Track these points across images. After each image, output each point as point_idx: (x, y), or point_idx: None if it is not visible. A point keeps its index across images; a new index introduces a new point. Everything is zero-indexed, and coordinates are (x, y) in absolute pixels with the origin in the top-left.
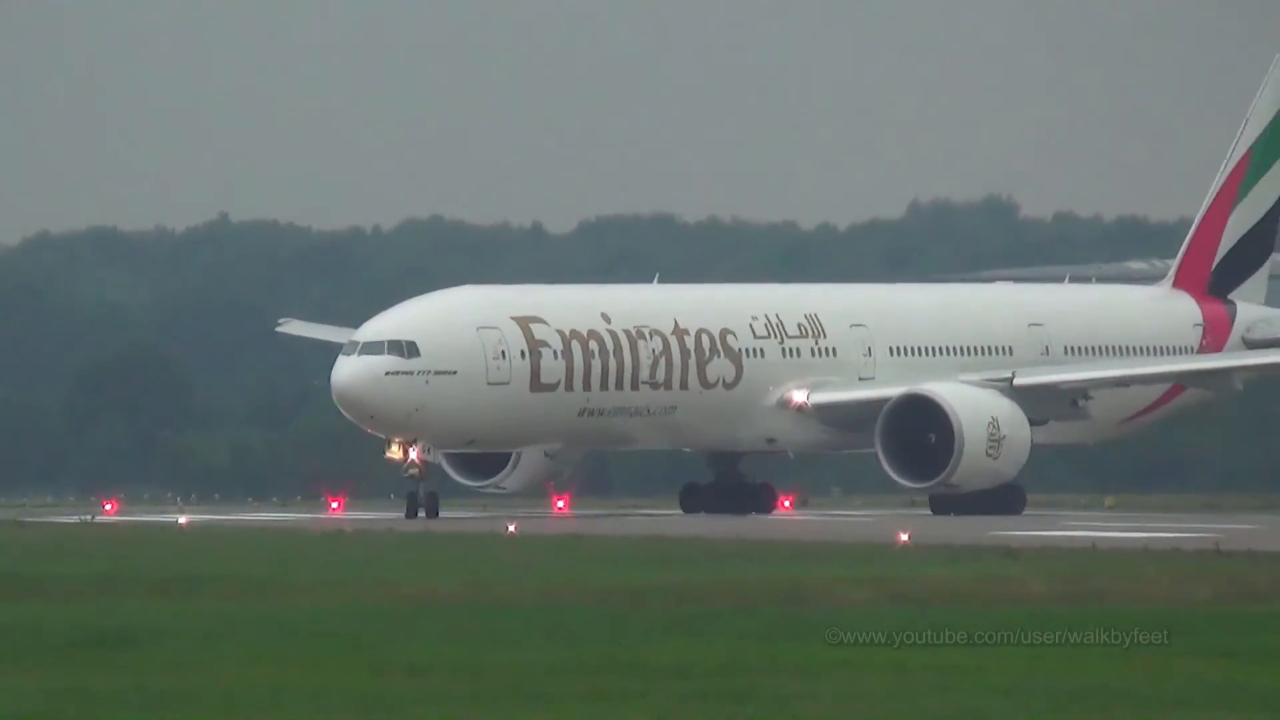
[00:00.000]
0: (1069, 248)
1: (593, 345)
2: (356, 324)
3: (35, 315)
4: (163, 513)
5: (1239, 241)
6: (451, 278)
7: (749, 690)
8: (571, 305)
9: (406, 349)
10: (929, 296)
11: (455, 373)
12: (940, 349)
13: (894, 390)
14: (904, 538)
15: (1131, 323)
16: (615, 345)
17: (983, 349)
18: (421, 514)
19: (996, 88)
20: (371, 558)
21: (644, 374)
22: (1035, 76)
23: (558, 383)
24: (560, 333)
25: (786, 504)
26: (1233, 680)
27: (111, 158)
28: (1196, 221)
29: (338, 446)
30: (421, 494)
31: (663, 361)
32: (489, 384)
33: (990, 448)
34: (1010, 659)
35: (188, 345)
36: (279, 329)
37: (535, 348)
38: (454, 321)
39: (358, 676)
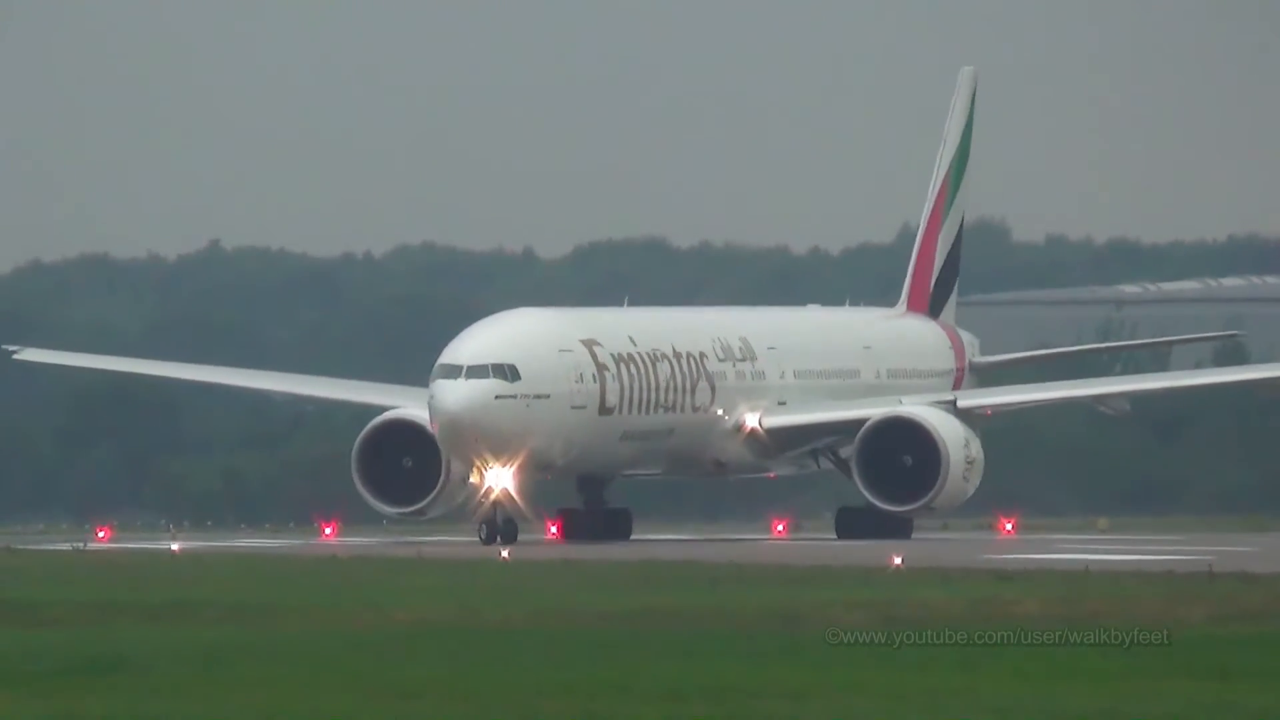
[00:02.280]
0: (1060, 271)
1: (632, 369)
2: (340, 351)
3: (27, 342)
4: (156, 540)
5: (945, 263)
6: (444, 304)
7: (741, 713)
8: (612, 327)
9: (509, 373)
10: (801, 319)
11: (549, 396)
12: (821, 371)
13: (853, 412)
14: (897, 561)
15: (917, 346)
16: (643, 368)
17: (842, 371)
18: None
19: (987, 111)
20: (364, 583)
21: (661, 397)
22: (1024, 99)
23: (614, 406)
24: (612, 355)
25: (780, 528)
26: (1226, 700)
27: (103, 186)
28: (917, 244)
29: (329, 471)
30: (499, 520)
31: (671, 385)
32: (572, 408)
33: (966, 470)
34: (1002, 679)
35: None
36: (15, 356)
37: (600, 371)
38: (541, 344)
39: (351, 701)
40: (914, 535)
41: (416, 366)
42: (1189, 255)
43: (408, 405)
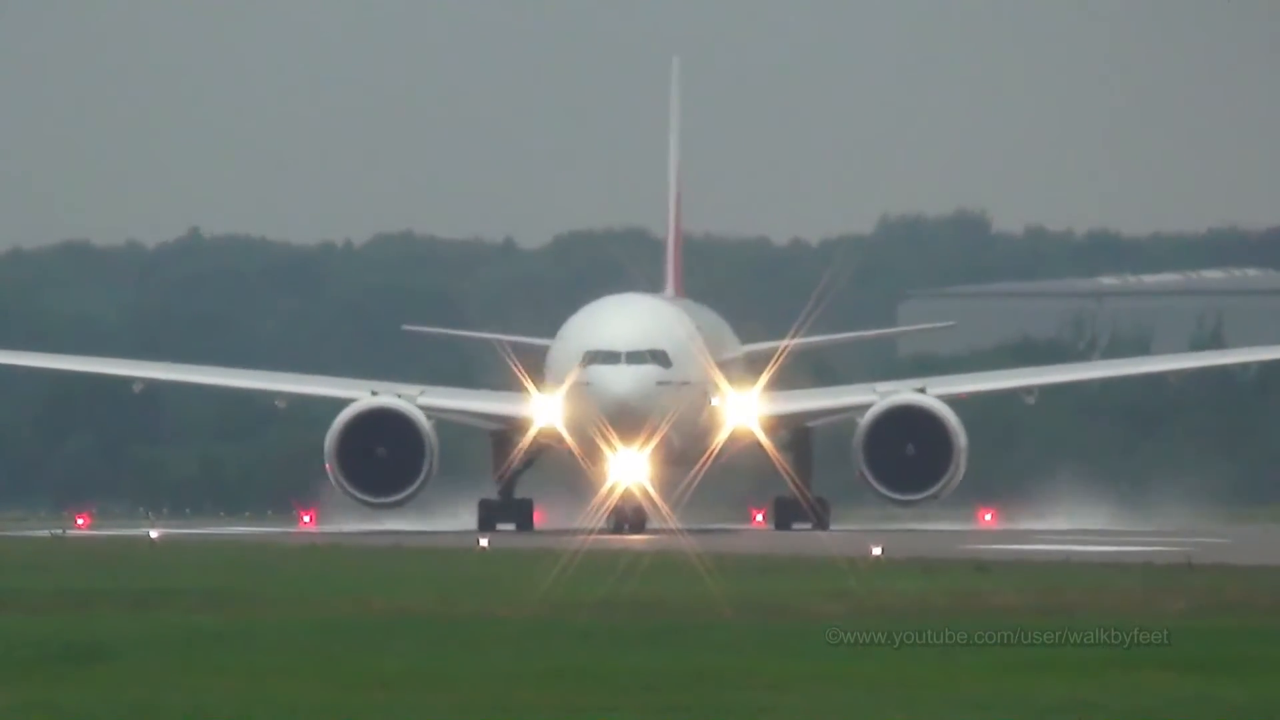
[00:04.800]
0: (1040, 263)
1: (711, 355)
2: (320, 340)
3: (6, 330)
4: (135, 527)
5: (684, 247)
6: (423, 293)
7: (720, 702)
8: (691, 314)
9: (663, 359)
10: (698, 311)
11: (690, 383)
12: (733, 359)
13: (844, 400)
14: (876, 551)
15: (725, 332)
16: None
17: (735, 361)
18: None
19: (967, 102)
20: (343, 572)
21: (721, 384)
22: (1006, 90)
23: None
24: (708, 341)
25: (759, 518)
26: (1203, 693)
27: (83, 173)
28: (670, 229)
29: (307, 460)
30: (629, 510)
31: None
32: (704, 394)
33: (965, 458)
34: (982, 672)
35: (158, 360)
36: None
37: (710, 357)
38: (675, 331)
39: (330, 689)
40: (900, 529)
41: (396, 355)
42: (1169, 247)
43: (364, 396)
